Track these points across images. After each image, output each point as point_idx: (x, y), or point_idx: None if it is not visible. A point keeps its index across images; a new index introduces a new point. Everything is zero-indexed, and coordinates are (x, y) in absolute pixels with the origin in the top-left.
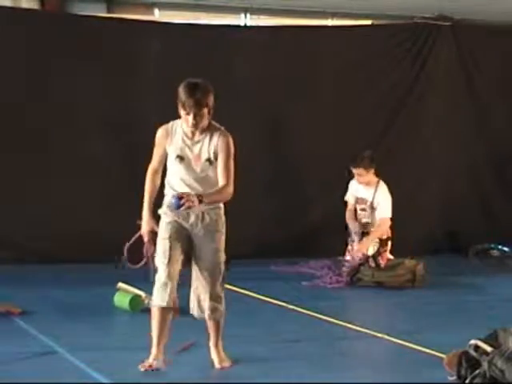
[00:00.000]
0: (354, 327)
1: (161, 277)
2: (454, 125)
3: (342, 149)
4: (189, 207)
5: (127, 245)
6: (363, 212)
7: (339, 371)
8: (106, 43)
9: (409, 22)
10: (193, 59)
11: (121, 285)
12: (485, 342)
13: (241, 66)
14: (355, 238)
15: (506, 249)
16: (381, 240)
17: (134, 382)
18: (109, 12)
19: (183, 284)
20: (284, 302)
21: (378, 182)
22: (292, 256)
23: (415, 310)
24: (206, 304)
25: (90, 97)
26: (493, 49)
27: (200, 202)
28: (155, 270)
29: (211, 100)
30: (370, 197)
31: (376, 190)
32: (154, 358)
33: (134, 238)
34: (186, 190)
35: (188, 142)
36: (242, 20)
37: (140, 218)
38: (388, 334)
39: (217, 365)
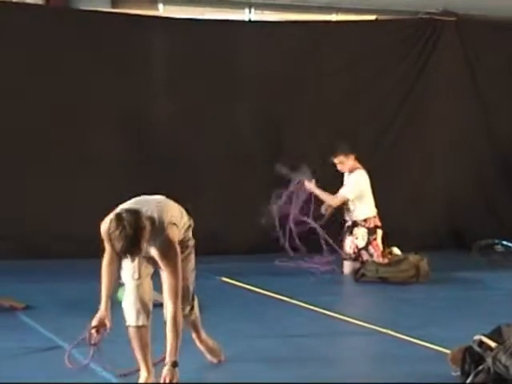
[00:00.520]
0: (357, 322)
1: (130, 295)
2: (458, 121)
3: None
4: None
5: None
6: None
7: (342, 366)
8: (110, 38)
9: (413, 18)
10: (196, 54)
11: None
12: (489, 337)
13: (245, 60)
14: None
15: (510, 244)
16: (368, 229)
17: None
18: (113, 7)
19: None
20: (288, 297)
21: (355, 169)
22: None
23: (419, 306)
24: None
25: (94, 92)
26: (497, 44)
27: (176, 365)
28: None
29: (145, 235)
30: (344, 182)
31: (350, 175)
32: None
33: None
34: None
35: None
36: (246, 15)
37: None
38: (392, 330)
39: (209, 357)
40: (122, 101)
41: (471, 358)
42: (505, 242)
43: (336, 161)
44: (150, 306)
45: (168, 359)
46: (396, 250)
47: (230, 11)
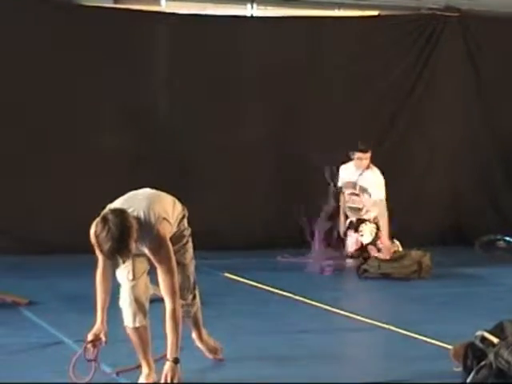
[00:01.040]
0: (360, 318)
1: (126, 296)
2: (461, 117)
3: (347, 140)
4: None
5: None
6: (354, 197)
7: (345, 362)
8: (112, 34)
9: (416, 13)
10: (198, 50)
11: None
12: (491, 333)
13: (247, 56)
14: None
15: None
16: (377, 224)
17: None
18: (116, 2)
19: None
20: (291, 293)
21: (371, 166)
22: (299, 247)
23: (421, 301)
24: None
25: (95, 88)
26: (500, 40)
27: (177, 362)
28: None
29: (132, 234)
30: (359, 180)
31: (365, 172)
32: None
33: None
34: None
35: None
36: (248, 10)
37: None
38: (394, 325)
39: (209, 355)
40: (123, 97)
41: (473, 353)
42: (507, 238)
43: (362, 156)
44: (147, 305)
45: (169, 356)
46: (396, 243)
47: (233, 6)
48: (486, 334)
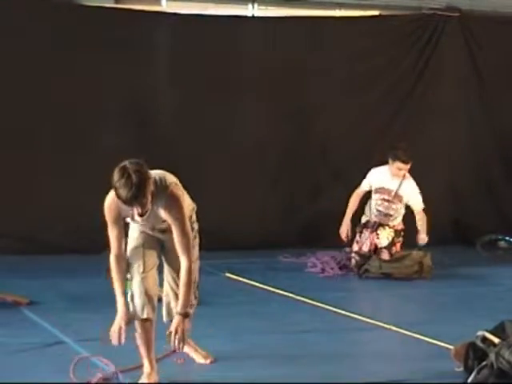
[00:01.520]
0: (361, 318)
1: (135, 288)
2: (462, 116)
3: (349, 138)
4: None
5: None
6: (386, 203)
7: (346, 362)
8: (113, 34)
9: (417, 13)
10: (199, 50)
11: (129, 275)
12: (492, 333)
13: (248, 56)
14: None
15: None
16: (395, 230)
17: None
18: (116, 2)
19: None
20: (291, 293)
21: (405, 174)
22: (300, 247)
23: (422, 302)
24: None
25: (96, 87)
26: (501, 40)
27: (187, 316)
28: None
29: (149, 185)
30: (396, 188)
31: (404, 182)
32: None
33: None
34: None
35: (138, 219)
36: (249, 10)
37: None
38: (395, 325)
39: (200, 360)
40: (124, 96)
41: (474, 353)
42: (508, 238)
43: (402, 166)
44: (155, 300)
45: (179, 310)
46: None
47: (234, 6)
48: (487, 334)
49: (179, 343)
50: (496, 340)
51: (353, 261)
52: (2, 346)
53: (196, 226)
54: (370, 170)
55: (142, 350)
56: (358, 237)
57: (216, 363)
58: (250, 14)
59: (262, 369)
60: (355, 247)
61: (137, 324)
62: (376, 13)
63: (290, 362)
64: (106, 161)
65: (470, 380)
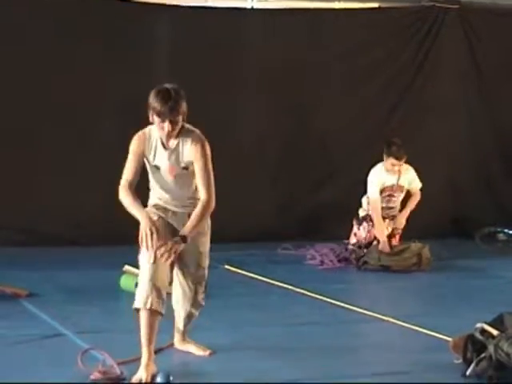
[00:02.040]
0: (360, 310)
1: (143, 277)
2: (461, 109)
3: (348, 133)
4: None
5: None
6: (388, 197)
7: (345, 354)
8: (114, 26)
9: (416, 5)
10: (199, 42)
11: (127, 267)
12: (491, 325)
13: (247, 48)
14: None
15: None
16: (393, 217)
17: None
18: None
19: None
20: (291, 285)
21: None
22: (299, 239)
23: (421, 294)
24: (184, 310)
25: (97, 80)
26: (500, 32)
27: (185, 241)
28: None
29: (184, 105)
30: (396, 181)
31: (404, 173)
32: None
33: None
34: (165, 196)
35: (162, 150)
36: (248, 3)
37: None
38: (394, 317)
39: (199, 353)
40: (124, 89)
41: (473, 345)
42: (507, 231)
43: (396, 162)
44: (164, 294)
45: (181, 232)
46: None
47: None
48: (486, 326)
49: (162, 255)
50: (495, 332)
51: (353, 253)
52: (1, 338)
53: (209, 221)
54: (367, 165)
55: (143, 340)
56: (355, 229)
57: (215, 355)
58: (249, 7)
59: (261, 361)
60: (353, 239)
61: (140, 314)
62: (375, 5)
63: (289, 353)
64: (105, 155)
65: (468, 372)
